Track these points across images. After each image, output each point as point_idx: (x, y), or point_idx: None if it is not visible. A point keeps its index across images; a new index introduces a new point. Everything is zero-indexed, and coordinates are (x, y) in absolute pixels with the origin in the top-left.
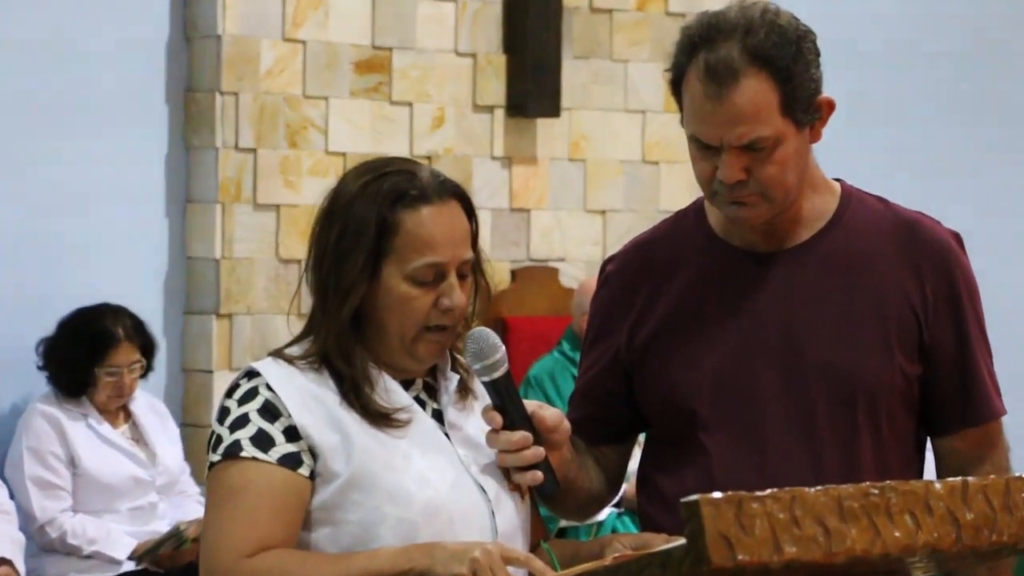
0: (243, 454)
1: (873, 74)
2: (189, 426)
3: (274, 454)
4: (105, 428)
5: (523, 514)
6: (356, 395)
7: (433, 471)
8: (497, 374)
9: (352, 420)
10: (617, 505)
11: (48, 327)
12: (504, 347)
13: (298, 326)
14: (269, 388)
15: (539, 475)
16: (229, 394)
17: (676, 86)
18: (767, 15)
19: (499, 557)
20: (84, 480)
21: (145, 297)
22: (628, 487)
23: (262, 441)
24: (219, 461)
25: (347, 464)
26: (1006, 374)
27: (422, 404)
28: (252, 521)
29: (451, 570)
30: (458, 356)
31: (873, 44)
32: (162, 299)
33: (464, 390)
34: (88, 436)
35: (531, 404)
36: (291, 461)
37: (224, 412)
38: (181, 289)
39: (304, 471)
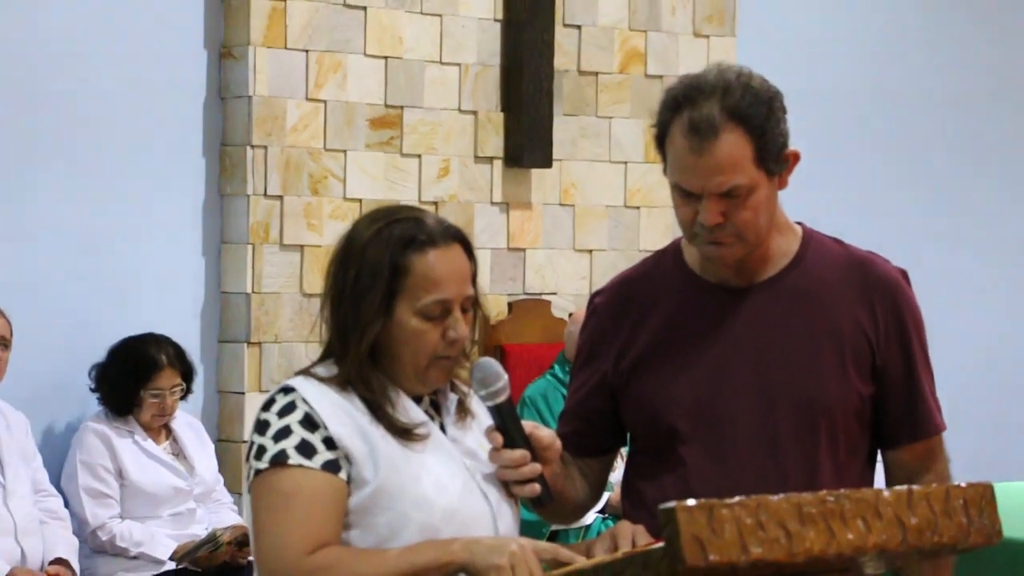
0: (290, 462)
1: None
2: (223, 441)
3: (317, 461)
4: (149, 444)
5: (517, 519)
6: (380, 414)
7: (448, 478)
8: (500, 399)
9: (378, 434)
10: (602, 511)
11: (99, 354)
12: (507, 375)
13: (319, 352)
14: (305, 402)
15: (537, 488)
16: (266, 408)
17: (661, 140)
18: (742, 78)
19: (531, 551)
20: (131, 490)
21: (185, 327)
22: (613, 495)
23: (306, 449)
24: (266, 468)
25: (375, 473)
26: (944, 395)
27: (430, 418)
28: (307, 522)
29: (491, 562)
30: (455, 381)
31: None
32: (200, 329)
33: (462, 409)
34: (134, 451)
35: (528, 425)
36: (332, 467)
37: (264, 424)
38: (216, 320)
39: (343, 475)
